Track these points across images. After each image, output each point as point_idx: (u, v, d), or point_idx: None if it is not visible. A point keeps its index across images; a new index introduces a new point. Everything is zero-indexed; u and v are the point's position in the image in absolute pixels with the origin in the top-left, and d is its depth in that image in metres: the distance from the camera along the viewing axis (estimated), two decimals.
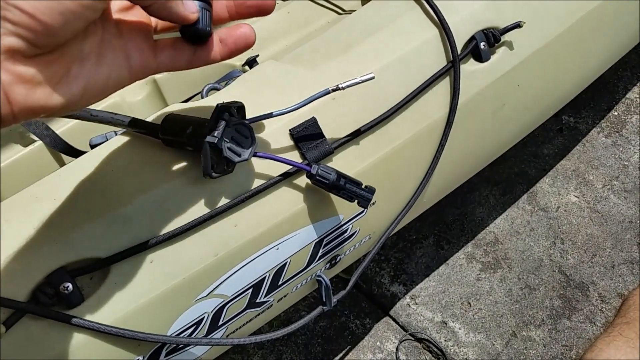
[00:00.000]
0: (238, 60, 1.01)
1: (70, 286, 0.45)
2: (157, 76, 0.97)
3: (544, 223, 1.11)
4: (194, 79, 1.00)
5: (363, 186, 0.54)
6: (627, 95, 1.34)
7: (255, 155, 0.49)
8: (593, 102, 1.31)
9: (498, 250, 1.07)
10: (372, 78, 0.52)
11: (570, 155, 1.23)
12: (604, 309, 0.98)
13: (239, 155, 0.47)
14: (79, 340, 0.46)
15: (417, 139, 0.63)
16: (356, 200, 0.54)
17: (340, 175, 0.53)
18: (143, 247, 0.48)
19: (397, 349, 0.97)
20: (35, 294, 0.45)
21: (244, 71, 1.00)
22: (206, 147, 0.45)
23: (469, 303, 1.01)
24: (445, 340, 0.98)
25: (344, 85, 0.52)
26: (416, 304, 1.01)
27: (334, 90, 0.52)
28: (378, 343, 0.99)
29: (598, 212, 1.12)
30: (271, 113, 0.51)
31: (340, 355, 0.99)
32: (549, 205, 1.13)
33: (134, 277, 0.48)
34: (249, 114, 0.55)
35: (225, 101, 0.56)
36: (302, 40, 1.04)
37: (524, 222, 1.11)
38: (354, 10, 1.09)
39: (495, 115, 0.71)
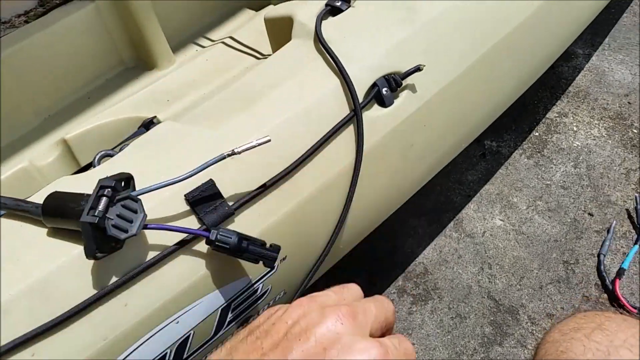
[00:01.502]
0: (152, 113, 0.97)
1: None
2: (67, 136, 0.91)
3: (471, 249, 1.10)
4: (105, 135, 0.95)
5: (267, 245, 0.51)
6: (547, 115, 1.37)
7: (145, 227, 0.45)
8: (514, 125, 1.33)
9: (428, 281, 1.05)
10: (269, 141, 0.50)
11: (493, 179, 1.24)
12: (534, 331, 0.98)
13: (126, 232, 0.44)
14: None
15: (325, 189, 0.60)
16: (261, 262, 0.51)
17: (241, 237, 0.50)
18: (23, 341, 0.42)
19: None
20: None
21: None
22: (86, 227, 0.42)
23: None
24: None
25: (239, 149, 0.49)
26: None
27: (229, 155, 0.49)
28: None
29: (523, 233, 1.12)
30: (162, 183, 0.47)
31: None
32: (475, 231, 1.13)
33: None
34: (143, 181, 0.51)
35: (117, 170, 0.52)
36: (218, 89, 1.01)
37: (452, 250, 1.10)
38: (270, 54, 1.07)
39: (405, 156, 0.70)
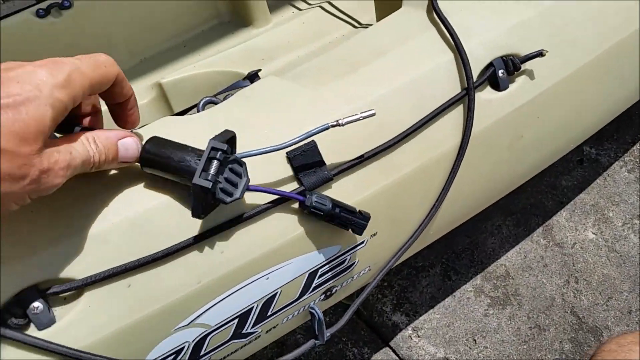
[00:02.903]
0: (246, 69, 1.00)
1: (41, 306, 0.44)
2: (163, 80, 0.96)
3: (558, 259, 1.07)
4: (199, 85, 0.99)
5: (358, 212, 0.53)
6: None
7: (248, 189, 0.47)
8: (617, 135, 1.28)
9: (508, 285, 1.04)
10: (373, 115, 0.50)
11: (589, 189, 1.19)
12: None
13: (231, 195, 0.45)
14: None
15: (425, 169, 0.60)
16: (350, 228, 0.53)
17: (335, 203, 0.51)
18: (120, 270, 0.46)
19: None
20: (2, 314, 0.43)
21: (251, 81, 0.99)
22: (197, 190, 0.43)
23: (475, 340, 0.98)
24: None
25: (343, 121, 0.50)
26: (418, 336, 0.98)
27: (333, 126, 0.50)
28: None
29: (616, 251, 1.08)
30: (266, 148, 0.49)
31: None
32: (565, 240, 1.10)
33: (110, 301, 0.46)
34: (245, 133, 0.53)
35: (220, 119, 0.55)
36: (314, 53, 1.02)
37: (538, 257, 1.08)
38: (370, 25, 1.08)
39: (512, 147, 0.69)
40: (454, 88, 0.62)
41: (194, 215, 0.46)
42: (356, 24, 1.08)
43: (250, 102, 0.57)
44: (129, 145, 0.44)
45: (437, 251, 1.08)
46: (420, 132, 0.60)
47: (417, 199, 0.62)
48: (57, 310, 0.45)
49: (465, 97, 0.61)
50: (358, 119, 0.51)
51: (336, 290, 0.63)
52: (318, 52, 1.01)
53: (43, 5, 0.95)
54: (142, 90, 0.99)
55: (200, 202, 0.45)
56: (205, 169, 0.43)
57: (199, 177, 0.43)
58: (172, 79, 0.96)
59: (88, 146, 0.41)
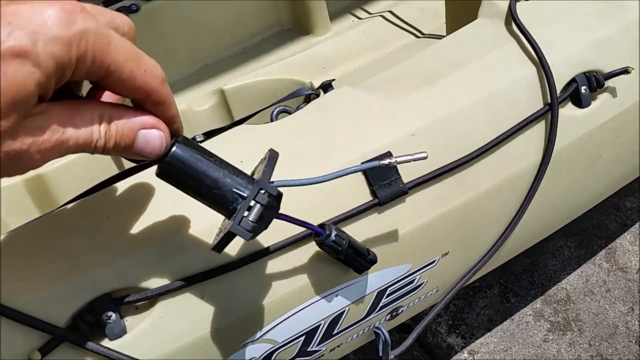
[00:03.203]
0: (307, 77, 0.99)
1: (114, 316, 0.43)
2: (226, 87, 0.96)
3: (622, 285, 1.02)
4: (260, 92, 0.99)
5: (367, 255, 0.48)
6: None
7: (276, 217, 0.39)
8: None
9: (569, 310, 0.99)
10: (425, 157, 0.46)
11: None
12: None
13: (253, 232, 0.37)
14: None
15: (502, 188, 0.58)
16: (352, 267, 0.48)
17: (350, 244, 0.46)
18: (195, 280, 0.45)
19: None
20: (75, 321, 0.43)
21: (312, 89, 0.98)
22: (232, 236, 0.36)
23: None
24: None
25: (394, 160, 0.47)
26: None
27: (383, 165, 0.46)
28: None
29: None
30: (303, 180, 0.41)
31: None
32: (629, 265, 1.05)
33: (182, 313, 0.45)
34: (317, 143, 0.51)
35: (292, 129, 0.53)
36: (376, 62, 1.01)
37: (600, 282, 1.03)
38: (434, 35, 1.05)
39: (590, 166, 0.65)
40: (536, 103, 0.59)
41: (216, 250, 0.38)
42: (419, 34, 1.06)
43: (324, 113, 0.55)
44: (151, 139, 0.34)
45: (496, 271, 1.03)
46: (499, 148, 0.57)
47: (492, 218, 0.59)
48: (128, 320, 0.44)
49: (548, 113, 0.58)
50: (409, 161, 0.48)
51: (402, 311, 0.61)
52: (382, 61, 1.00)
53: (112, 8, 0.96)
54: (203, 97, 0.99)
55: (228, 242, 0.37)
56: (247, 212, 0.35)
57: (239, 224, 0.35)
58: (235, 86, 0.96)
59: (95, 127, 0.32)
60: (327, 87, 0.73)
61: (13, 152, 0.28)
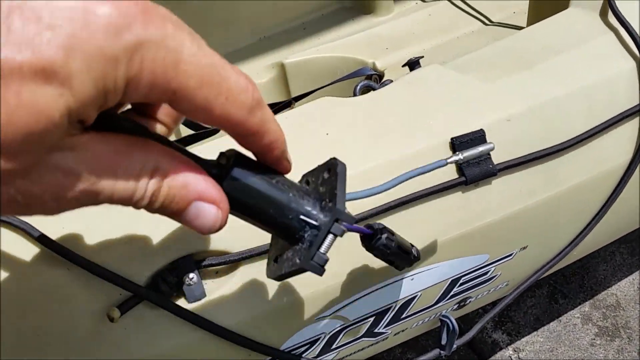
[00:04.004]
0: (370, 57, 0.97)
1: (195, 278, 0.41)
2: (286, 61, 0.93)
3: None
4: (321, 69, 0.97)
5: (412, 253, 0.42)
6: None
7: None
8: None
9: (618, 317, 0.96)
10: (492, 149, 0.46)
11: None
12: None
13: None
14: (192, 337, 0.42)
15: (589, 183, 0.55)
16: (395, 265, 0.43)
17: (398, 244, 0.41)
18: None
19: None
20: (155, 280, 0.41)
21: (375, 70, 0.95)
22: (300, 272, 0.31)
23: None
24: None
25: (462, 156, 0.46)
26: (519, 358, 0.92)
27: (448, 163, 0.44)
28: None
29: None
30: (366, 191, 0.37)
31: None
32: None
33: (261, 281, 0.43)
34: (408, 123, 0.49)
35: (379, 104, 0.51)
36: (443, 47, 0.97)
37: None
38: (503, 24, 1.01)
39: None
40: (632, 99, 0.55)
41: (277, 280, 0.34)
42: (487, 21, 1.02)
43: (414, 90, 0.52)
44: (203, 214, 0.26)
45: None
46: (591, 141, 0.54)
47: (574, 215, 0.56)
48: (207, 284, 0.43)
49: None
50: (477, 155, 0.46)
51: (470, 302, 0.58)
52: (448, 46, 0.96)
53: None
54: (260, 70, 0.97)
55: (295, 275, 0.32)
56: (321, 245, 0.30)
57: (312, 260, 0.30)
58: (296, 60, 0.94)
59: (142, 182, 0.24)
60: (414, 64, 0.70)
61: (18, 195, 0.20)
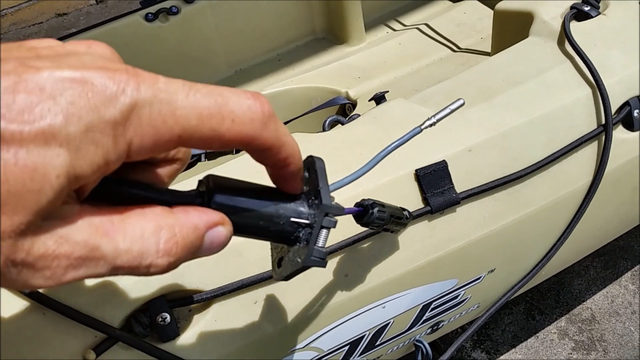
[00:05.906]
0: (343, 87, 0.98)
1: (168, 317, 0.42)
2: (262, 93, 0.94)
3: None
4: (296, 99, 0.98)
5: (404, 216, 0.43)
6: None
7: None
8: None
9: (594, 330, 0.97)
10: (463, 104, 0.43)
11: None
12: None
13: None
14: None
15: (553, 207, 0.56)
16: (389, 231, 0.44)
17: (391, 214, 0.42)
18: (249, 285, 0.43)
19: None
20: (129, 321, 0.42)
21: (348, 98, 0.97)
22: (305, 269, 0.31)
23: None
24: None
25: (435, 119, 0.44)
26: None
27: (424, 128, 0.44)
28: None
29: None
30: (351, 176, 0.38)
31: None
32: None
33: (234, 317, 0.44)
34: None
35: (345, 139, 0.52)
36: (413, 74, 0.99)
37: (626, 303, 1.00)
38: (471, 50, 1.04)
39: (635, 190, 0.64)
40: (590, 124, 0.57)
41: (285, 280, 0.34)
42: (455, 48, 1.05)
43: (380, 124, 0.54)
44: (216, 237, 0.26)
45: None
46: (552, 167, 0.55)
47: (539, 236, 0.57)
48: (181, 322, 0.43)
49: (601, 135, 0.57)
50: (449, 113, 0.44)
51: (442, 325, 0.59)
52: (418, 74, 0.98)
53: (152, 9, 0.96)
54: None
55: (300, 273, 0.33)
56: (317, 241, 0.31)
57: (312, 256, 0.31)
58: (271, 92, 0.95)
59: (152, 241, 0.23)
60: (380, 98, 0.71)
61: (16, 260, 0.19)
